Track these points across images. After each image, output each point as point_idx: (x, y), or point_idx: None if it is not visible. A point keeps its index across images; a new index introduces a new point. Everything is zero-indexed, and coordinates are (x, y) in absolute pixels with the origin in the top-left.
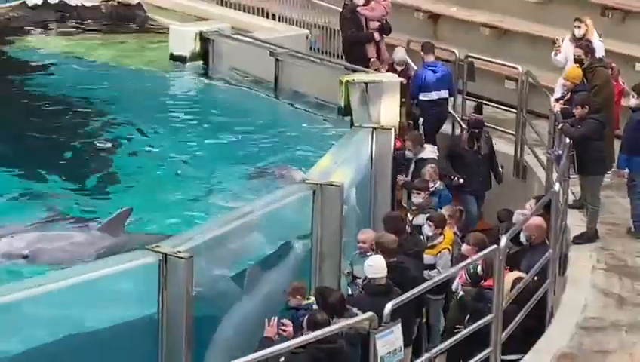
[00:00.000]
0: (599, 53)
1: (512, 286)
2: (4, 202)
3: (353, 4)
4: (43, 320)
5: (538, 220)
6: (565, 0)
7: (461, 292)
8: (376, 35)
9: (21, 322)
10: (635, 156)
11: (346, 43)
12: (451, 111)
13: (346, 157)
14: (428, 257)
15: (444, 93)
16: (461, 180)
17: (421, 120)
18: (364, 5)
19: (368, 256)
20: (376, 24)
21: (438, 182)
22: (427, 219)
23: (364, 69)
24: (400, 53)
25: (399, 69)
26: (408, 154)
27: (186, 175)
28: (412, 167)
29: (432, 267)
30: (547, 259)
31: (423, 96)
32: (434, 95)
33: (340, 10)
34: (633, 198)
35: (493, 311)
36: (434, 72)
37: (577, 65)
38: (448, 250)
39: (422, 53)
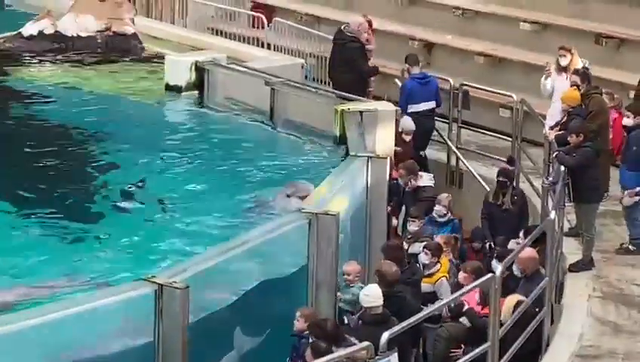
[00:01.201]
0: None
1: (514, 310)
2: None
3: (358, 38)
4: (37, 352)
5: (529, 252)
6: (560, 28)
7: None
8: None
9: (15, 353)
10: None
11: (356, 76)
12: (446, 140)
13: (342, 186)
14: (426, 286)
15: (431, 104)
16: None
17: None
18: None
19: (352, 287)
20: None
21: (450, 213)
22: (423, 247)
23: (360, 98)
24: (408, 122)
25: (407, 138)
26: (401, 182)
27: (182, 204)
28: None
29: (430, 295)
30: (543, 287)
31: (410, 109)
32: (422, 106)
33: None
34: (637, 218)
35: (489, 340)
36: (420, 83)
37: (574, 88)
38: (446, 277)
39: (407, 66)
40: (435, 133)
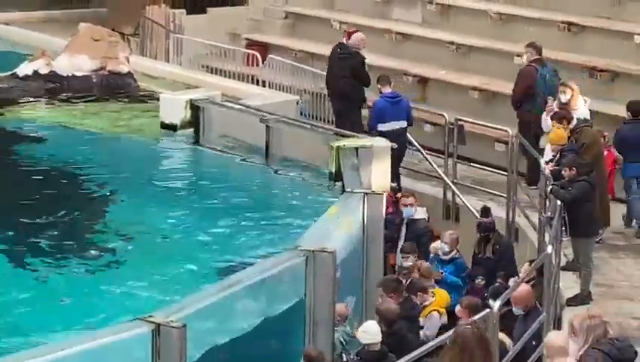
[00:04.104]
0: (585, 117)
1: None
2: None
3: (359, 52)
4: None
5: (521, 288)
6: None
7: None
8: None
9: None
10: None
11: (357, 86)
12: (442, 175)
13: (338, 223)
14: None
15: (402, 123)
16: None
17: None
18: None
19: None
20: None
21: (455, 251)
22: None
23: (355, 133)
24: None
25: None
26: (409, 211)
27: (178, 243)
28: (404, 229)
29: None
30: (541, 322)
31: (381, 127)
32: (392, 125)
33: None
34: None
35: None
36: (391, 102)
37: (559, 125)
38: (438, 311)
39: (378, 86)
40: (431, 168)
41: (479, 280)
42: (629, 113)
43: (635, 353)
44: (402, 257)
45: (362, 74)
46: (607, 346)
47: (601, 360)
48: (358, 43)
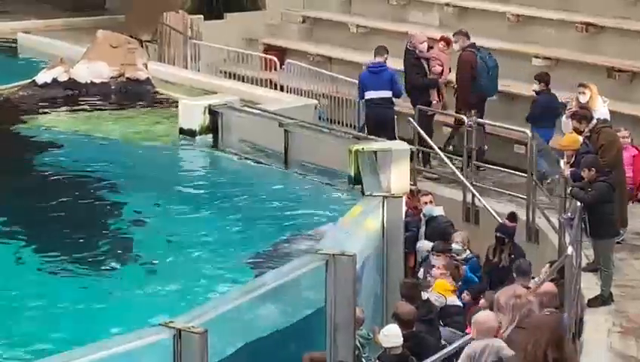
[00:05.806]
0: (605, 117)
1: None
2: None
3: (413, 51)
4: None
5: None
6: (572, 63)
7: None
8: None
9: None
10: None
11: (411, 87)
12: (462, 178)
13: (358, 226)
14: None
15: (384, 93)
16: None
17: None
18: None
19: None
20: (439, 69)
21: (466, 250)
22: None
23: (373, 137)
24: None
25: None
26: (429, 209)
27: (198, 249)
28: (423, 228)
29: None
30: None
31: (366, 95)
32: (372, 94)
33: (346, 79)
34: None
35: None
36: (370, 72)
37: (579, 125)
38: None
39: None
40: (450, 171)
41: (465, 294)
42: (542, 84)
43: None
44: (434, 256)
45: (408, 73)
46: None
47: None
48: (413, 42)
